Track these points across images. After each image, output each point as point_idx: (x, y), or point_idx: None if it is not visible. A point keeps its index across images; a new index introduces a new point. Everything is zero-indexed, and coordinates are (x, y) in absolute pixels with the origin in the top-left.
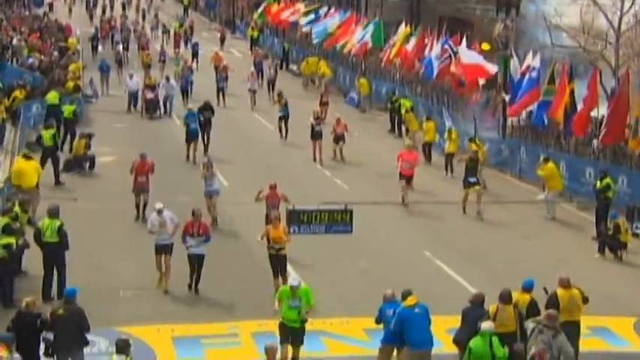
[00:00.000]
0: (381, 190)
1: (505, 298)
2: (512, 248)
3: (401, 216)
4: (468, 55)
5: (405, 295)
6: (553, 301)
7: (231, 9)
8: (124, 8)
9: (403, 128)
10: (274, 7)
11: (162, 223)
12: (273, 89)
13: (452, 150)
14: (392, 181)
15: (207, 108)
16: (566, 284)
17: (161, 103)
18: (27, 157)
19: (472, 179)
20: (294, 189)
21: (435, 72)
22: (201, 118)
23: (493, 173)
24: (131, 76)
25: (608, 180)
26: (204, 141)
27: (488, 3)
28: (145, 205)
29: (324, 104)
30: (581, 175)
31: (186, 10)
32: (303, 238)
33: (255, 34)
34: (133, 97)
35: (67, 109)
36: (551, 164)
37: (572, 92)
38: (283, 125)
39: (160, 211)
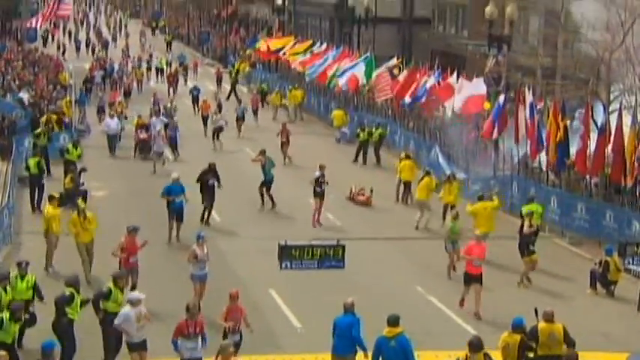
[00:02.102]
0: (372, 224)
1: (474, 346)
2: (503, 283)
3: (393, 251)
4: (471, 87)
5: (390, 322)
6: (533, 334)
7: (224, 43)
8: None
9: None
10: (266, 43)
11: (138, 316)
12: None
13: (449, 201)
14: (383, 215)
15: (210, 172)
16: (549, 318)
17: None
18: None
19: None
20: (286, 223)
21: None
22: (206, 184)
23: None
24: (112, 116)
25: (532, 206)
26: (203, 214)
27: (480, 39)
28: (133, 287)
29: (284, 143)
30: (573, 210)
31: (169, 44)
32: (295, 272)
33: (243, 67)
34: (113, 138)
35: (73, 153)
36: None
37: (565, 128)
38: (265, 192)
39: (134, 303)
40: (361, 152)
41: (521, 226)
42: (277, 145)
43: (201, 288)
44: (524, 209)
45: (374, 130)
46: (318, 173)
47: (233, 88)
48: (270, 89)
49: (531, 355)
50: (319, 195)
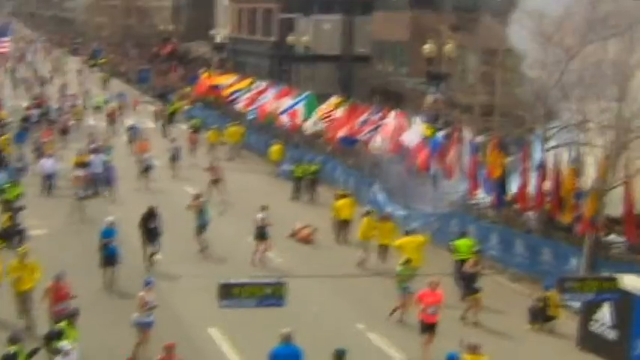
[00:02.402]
0: (313, 261)
1: None
2: (444, 319)
3: (334, 289)
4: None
5: (338, 356)
6: None
7: (163, 81)
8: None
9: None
10: (206, 81)
11: None
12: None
13: (384, 241)
14: (324, 252)
15: (151, 216)
16: (471, 351)
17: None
18: None
19: None
20: (226, 261)
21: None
22: (148, 228)
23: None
24: (48, 156)
25: (464, 241)
26: (148, 256)
27: (420, 76)
28: None
29: (215, 181)
30: (512, 246)
31: (106, 82)
32: (235, 311)
33: (179, 105)
34: (47, 178)
35: (11, 192)
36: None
37: (503, 164)
38: (200, 235)
39: (65, 353)
40: (298, 188)
41: (458, 263)
42: (217, 183)
43: (146, 335)
44: (455, 244)
45: (309, 166)
46: (261, 215)
47: (165, 126)
48: (203, 126)
49: None
50: (262, 237)
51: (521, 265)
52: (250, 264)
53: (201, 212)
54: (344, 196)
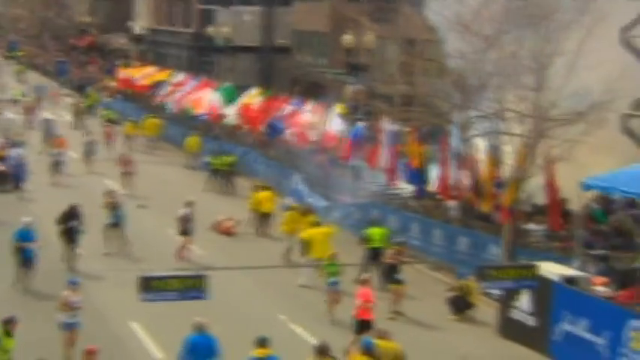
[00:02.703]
0: (235, 254)
1: (321, 350)
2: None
3: (256, 281)
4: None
5: (260, 343)
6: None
7: (83, 74)
8: None
9: None
10: (125, 72)
11: None
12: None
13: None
14: (246, 244)
15: (73, 216)
16: (382, 336)
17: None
18: None
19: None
20: (147, 254)
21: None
22: (68, 227)
23: (346, 237)
24: None
25: (376, 229)
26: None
27: (340, 67)
28: None
29: (127, 174)
30: (431, 236)
31: (20, 74)
32: (157, 304)
33: (95, 98)
34: None
35: None
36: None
37: (423, 154)
38: (114, 234)
39: None
40: (216, 179)
41: (370, 251)
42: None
43: (72, 336)
44: (367, 232)
45: (226, 157)
46: (185, 210)
47: (79, 119)
48: (120, 119)
49: None
50: (187, 232)
51: (441, 255)
52: (175, 259)
53: (114, 209)
54: (264, 188)
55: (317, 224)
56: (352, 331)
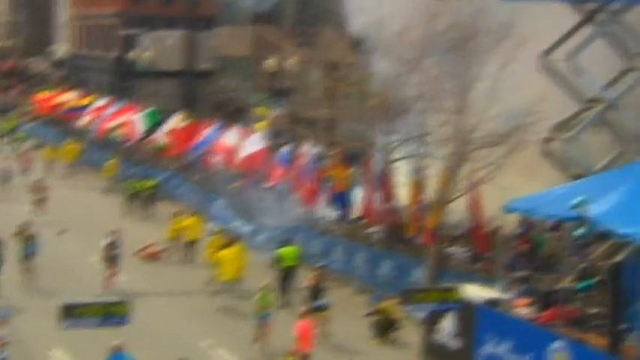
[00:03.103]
0: (161, 279)
1: None
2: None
3: (180, 306)
4: (251, 143)
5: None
6: None
7: (4, 98)
8: None
9: None
10: (45, 97)
11: None
12: None
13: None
14: (170, 269)
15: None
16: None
17: None
18: None
19: None
20: (69, 281)
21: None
22: None
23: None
24: None
25: (288, 249)
26: None
27: (263, 91)
28: None
29: (40, 201)
30: (355, 259)
31: None
32: (79, 331)
33: (12, 123)
34: None
35: None
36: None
37: (346, 178)
38: (26, 265)
39: None
40: (134, 204)
41: (282, 271)
42: (49, 204)
43: None
44: (278, 253)
45: (146, 182)
46: (109, 239)
47: None
48: (38, 143)
49: None
50: (113, 260)
51: (364, 278)
52: (102, 288)
53: (27, 240)
54: (190, 214)
55: (228, 245)
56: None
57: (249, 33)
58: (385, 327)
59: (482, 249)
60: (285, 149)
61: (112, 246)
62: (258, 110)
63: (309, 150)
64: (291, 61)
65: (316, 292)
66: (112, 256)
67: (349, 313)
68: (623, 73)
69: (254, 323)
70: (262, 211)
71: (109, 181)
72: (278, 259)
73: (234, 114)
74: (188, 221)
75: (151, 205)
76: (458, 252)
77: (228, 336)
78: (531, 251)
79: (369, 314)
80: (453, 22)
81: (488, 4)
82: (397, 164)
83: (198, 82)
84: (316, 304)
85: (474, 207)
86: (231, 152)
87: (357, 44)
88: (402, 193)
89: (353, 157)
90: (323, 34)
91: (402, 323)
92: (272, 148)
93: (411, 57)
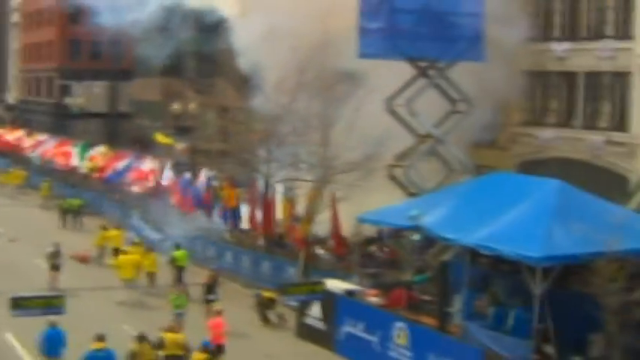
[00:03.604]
0: (90, 277)
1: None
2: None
3: (107, 299)
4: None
5: (96, 338)
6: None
7: None
8: None
9: None
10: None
11: None
12: None
13: (151, 270)
14: (99, 270)
15: None
16: (170, 329)
17: None
18: None
19: None
20: (19, 279)
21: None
22: None
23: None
24: None
25: (179, 252)
26: None
27: (171, 129)
28: None
29: None
30: (242, 261)
31: None
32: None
33: None
34: None
35: None
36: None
37: (235, 196)
38: None
39: None
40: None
41: (178, 269)
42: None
43: None
44: (174, 255)
45: (74, 200)
46: (53, 248)
47: None
48: None
49: None
50: (55, 265)
51: (249, 276)
52: (46, 284)
53: None
54: (114, 227)
55: (125, 252)
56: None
57: (159, 83)
58: (267, 309)
59: (340, 251)
60: (186, 175)
61: (55, 254)
62: (161, 138)
63: (205, 175)
64: (192, 105)
65: (210, 288)
66: (55, 262)
67: (238, 303)
68: (448, 115)
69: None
70: (168, 223)
71: (46, 199)
72: (173, 260)
73: (147, 147)
74: (113, 232)
75: (80, 218)
76: (324, 254)
77: (143, 322)
78: (380, 253)
79: (255, 302)
80: (318, 73)
81: (345, 58)
82: (276, 186)
83: (120, 122)
84: (208, 297)
85: (334, 219)
86: (144, 177)
87: (245, 91)
88: (280, 209)
89: (241, 181)
90: (217, 83)
91: (279, 310)
92: (176, 174)
93: (286, 101)
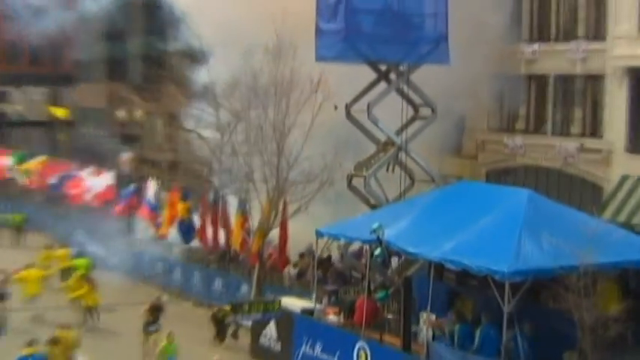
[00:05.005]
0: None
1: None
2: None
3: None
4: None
5: (27, 343)
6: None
7: None
8: None
9: None
10: None
11: None
12: None
13: (90, 302)
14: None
15: None
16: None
17: None
18: None
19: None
20: None
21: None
22: None
23: (122, 280)
24: None
25: (81, 260)
26: None
27: (116, 138)
28: None
29: None
30: (193, 277)
31: None
32: None
33: None
34: None
35: None
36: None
37: (186, 209)
38: None
39: None
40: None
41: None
42: None
43: None
44: (75, 263)
45: (14, 216)
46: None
47: None
48: None
49: None
50: (2, 298)
51: (201, 293)
52: None
53: None
54: (60, 246)
55: (29, 266)
56: None
57: (103, 88)
58: (220, 332)
59: (282, 266)
60: (132, 186)
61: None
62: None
63: (152, 186)
64: (139, 112)
65: (153, 314)
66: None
67: (189, 323)
68: (411, 121)
69: None
70: (114, 237)
71: None
72: (76, 268)
73: (92, 157)
74: (60, 252)
75: (21, 234)
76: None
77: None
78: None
79: (213, 317)
80: (273, 80)
81: (302, 63)
82: (228, 198)
83: (61, 130)
84: (149, 328)
85: (282, 231)
86: (86, 188)
87: (195, 97)
88: (233, 222)
89: (191, 193)
90: (165, 89)
91: (234, 330)
92: (121, 185)
93: (239, 108)
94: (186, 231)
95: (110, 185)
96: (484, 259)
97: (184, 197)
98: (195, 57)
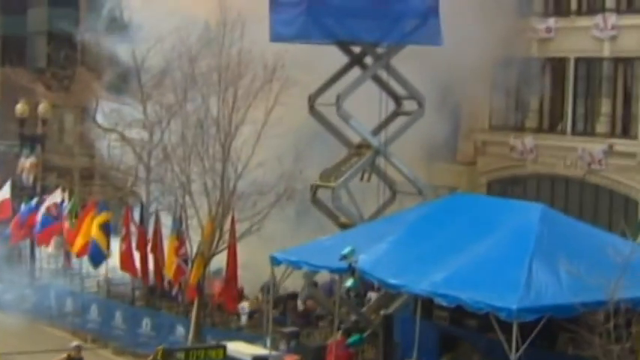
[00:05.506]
0: None
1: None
2: None
3: None
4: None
5: None
6: None
7: None
8: None
9: None
10: None
11: None
12: None
13: None
14: None
15: None
16: None
17: None
18: None
19: None
20: None
21: None
22: None
23: (19, 323)
24: None
25: None
26: None
27: (13, 138)
28: None
29: None
30: (112, 318)
31: None
32: None
33: None
34: None
35: None
36: None
37: (102, 229)
38: None
39: None
40: None
41: None
42: None
43: None
44: None
45: None
46: None
47: None
48: None
49: None
50: None
51: (124, 338)
52: None
53: None
54: None
55: None
56: None
57: None
58: None
59: (232, 305)
60: (32, 202)
61: None
62: None
63: (60, 200)
64: (43, 106)
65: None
66: None
67: None
68: (392, 118)
69: None
70: (10, 268)
71: None
72: None
73: None
74: None
75: None
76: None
77: None
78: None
79: None
80: (216, 63)
81: (252, 43)
82: (159, 214)
83: None
84: None
85: (231, 260)
86: None
87: (116, 87)
88: (165, 247)
89: (111, 207)
90: (77, 75)
91: None
92: (18, 201)
93: (173, 100)
94: (99, 256)
95: (5, 200)
96: (485, 294)
97: (101, 213)
98: (115, 33)
